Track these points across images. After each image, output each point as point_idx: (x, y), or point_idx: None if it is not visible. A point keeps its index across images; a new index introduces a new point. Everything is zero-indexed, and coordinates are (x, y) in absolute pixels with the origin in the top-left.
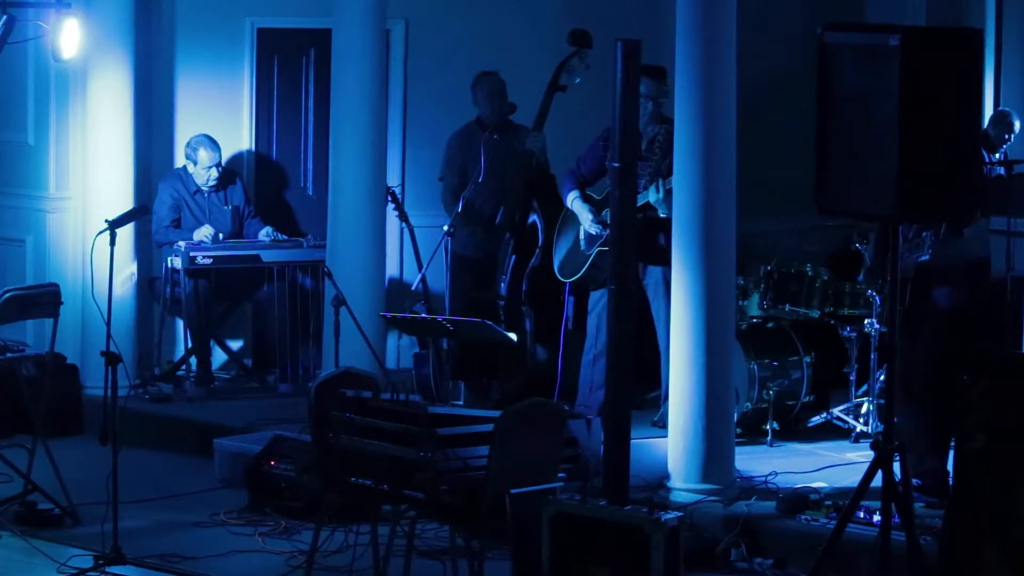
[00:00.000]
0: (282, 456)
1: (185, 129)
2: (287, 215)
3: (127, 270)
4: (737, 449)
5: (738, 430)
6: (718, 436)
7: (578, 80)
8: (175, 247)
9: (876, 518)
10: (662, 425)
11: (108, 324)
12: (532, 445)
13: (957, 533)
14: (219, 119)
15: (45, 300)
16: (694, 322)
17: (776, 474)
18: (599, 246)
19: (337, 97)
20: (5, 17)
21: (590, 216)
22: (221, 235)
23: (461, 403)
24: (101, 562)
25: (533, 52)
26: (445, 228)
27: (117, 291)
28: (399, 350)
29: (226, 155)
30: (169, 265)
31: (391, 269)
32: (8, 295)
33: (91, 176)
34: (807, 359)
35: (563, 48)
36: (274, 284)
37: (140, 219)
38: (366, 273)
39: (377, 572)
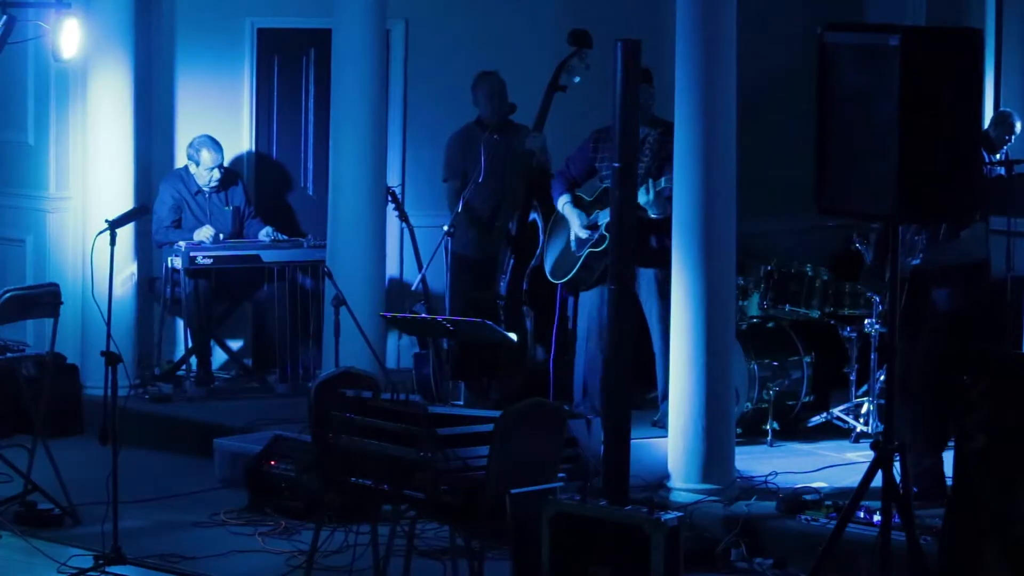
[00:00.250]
0: (282, 456)
1: (185, 129)
2: (287, 215)
3: (127, 270)
4: (737, 449)
5: (738, 430)
6: (718, 436)
7: (578, 80)
8: (175, 247)
9: (876, 518)
10: (662, 425)
11: (108, 324)
12: (532, 445)
13: (957, 533)
14: (219, 119)
15: (45, 300)
16: (694, 322)
17: (776, 474)
18: (589, 247)
19: (337, 97)
20: (5, 17)
21: (579, 221)
22: (221, 235)
23: (461, 403)
24: (101, 562)
25: (533, 52)
26: (445, 228)
27: (117, 291)
28: (399, 350)
29: (226, 155)
30: (169, 265)
31: (391, 269)
32: (8, 295)
33: (91, 176)
34: (807, 359)
35: (563, 48)
36: (274, 284)
37: (140, 219)
38: (366, 273)
39: (377, 572)
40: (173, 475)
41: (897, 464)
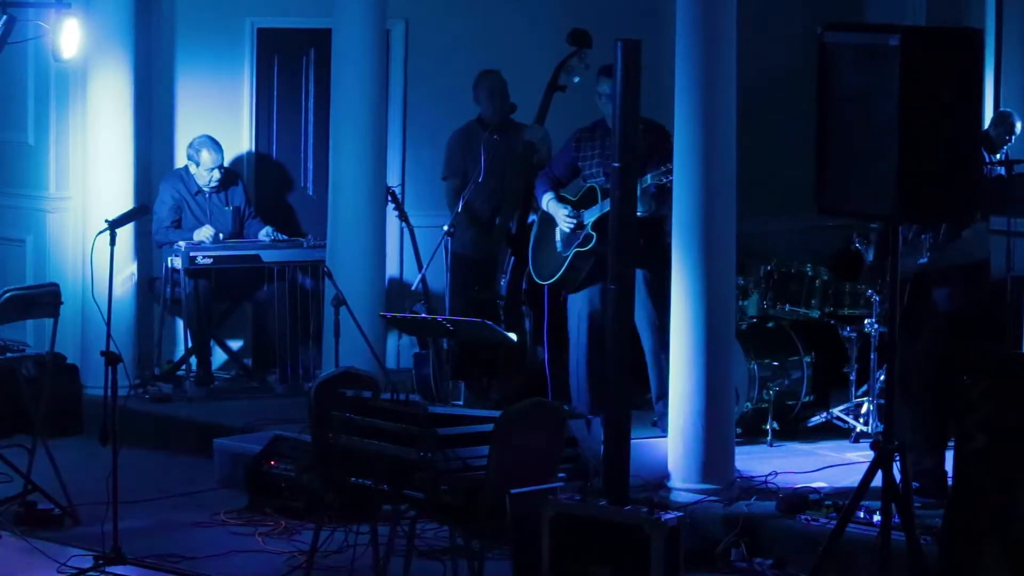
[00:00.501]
0: (282, 456)
1: (185, 129)
2: (287, 215)
3: (127, 270)
4: (737, 449)
5: (738, 430)
6: (718, 436)
7: (577, 80)
8: (175, 247)
9: (876, 518)
10: (661, 427)
11: (108, 324)
12: (532, 445)
13: (957, 533)
14: (219, 119)
15: (45, 300)
16: (694, 322)
17: (776, 474)
18: (576, 247)
19: (337, 97)
20: (5, 17)
21: (566, 212)
22: (221, 235)
23: (461, 403)
24: (101, 562)
25: (533, 52)
26: (445, 228)
27: (117, 291)
28: (399, 350)
29: (226, 155)
30: (169, 265)
31: (391, 269)
32: (8, 295)
33: (91, 176)
34: (807, 359)
35: (563, 48)
36: (274, 284)
37: (140, 219)
38: (366, 273)
39: (377, 572)
40: (173, 475)
41: (897, 464)
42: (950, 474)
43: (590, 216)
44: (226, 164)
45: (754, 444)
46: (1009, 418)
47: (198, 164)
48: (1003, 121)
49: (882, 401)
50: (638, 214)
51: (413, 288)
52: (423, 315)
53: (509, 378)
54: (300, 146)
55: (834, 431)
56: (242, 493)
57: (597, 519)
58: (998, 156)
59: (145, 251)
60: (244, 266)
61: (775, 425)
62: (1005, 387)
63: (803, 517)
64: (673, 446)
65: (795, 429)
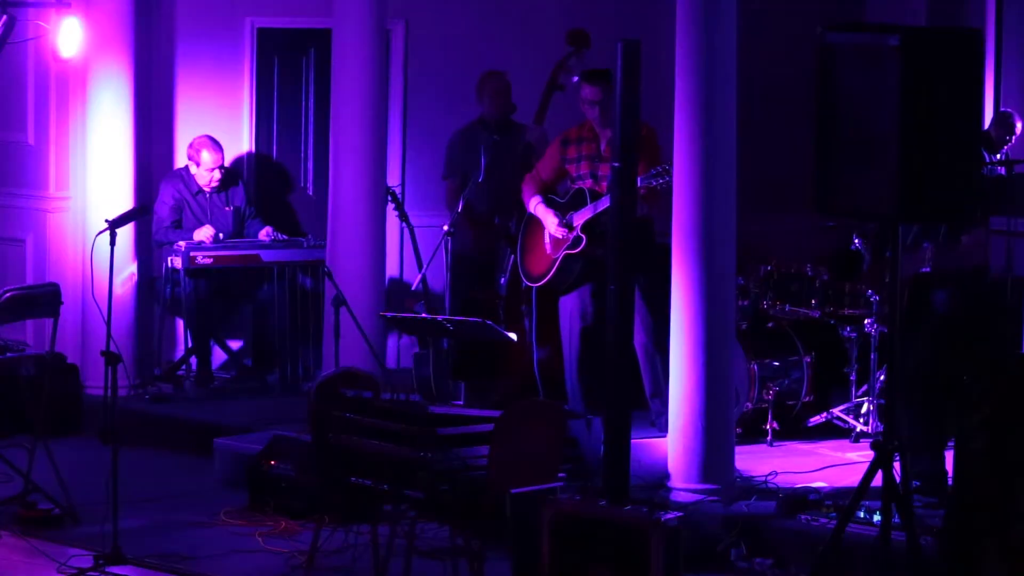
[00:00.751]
0: (282, 456)
1: (185, 129)
2: (287, 215)
3: (127, 270)
4: (737, 449)
5: (738, 430)
6: (718, 436)
7: (576, 80)
8: (175, 247)
9: (876, 518)
10: (660, 427)
11: (108, 324)
12: (532, 445)
13: (957, 533)
14: (219, 119)
15: (45, 300)
16: (694, 322)
17: (776, 474)
18: (565, 250)
19: (337, 97)
20: (5, 17)
21: (555, 220)
22: (221, 235)
23: (461, 403)
24: (101, 562)
25: (533, 52)
26: (445, 228)
27: (117, 291)
28: (399, 350)
29: (227, 155)
30: (169, 265)
31: (391, 269)
32: (8, 295)
33: (91, 176)
34: (807, 359)
35: (562, 48)
36: (274, 284)
37: (140, 219)
38: (366, 273)
39: (377, 572)
40: (173, 475)
41: (897, 464)
42: (950, 474)
43: (579, 219)
44: (226, 164)
45: (754, 444)
46: (1009, 418)
47: (199, 164)
48: (1004, 121)
49: (882, 401)
50: None
51: (413, 288)
52: (423, 315)
53: (509, 378)
54: (300, 146)
55: (834, 431)
56: (242, 493)
57: (597, 519)
58: (998, 156)
59: (145, 251)
60: (244, 266)
61: (775, 425)
62: (1005, 387)
63: (803, 517)
64: (673, 446)
65: (795, 429)
